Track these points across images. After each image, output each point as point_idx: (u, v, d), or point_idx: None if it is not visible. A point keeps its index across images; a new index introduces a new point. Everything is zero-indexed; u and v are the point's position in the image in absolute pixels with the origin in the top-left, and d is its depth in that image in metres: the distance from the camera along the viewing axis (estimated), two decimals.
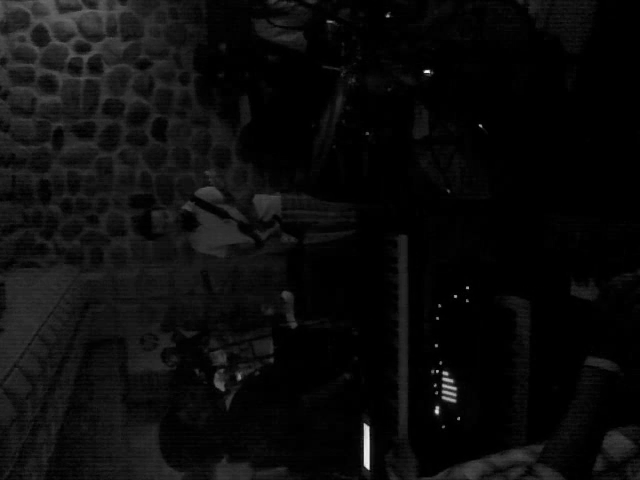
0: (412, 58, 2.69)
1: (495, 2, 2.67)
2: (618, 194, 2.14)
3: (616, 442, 1.26)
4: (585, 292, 1.90)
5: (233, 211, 3.90)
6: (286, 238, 4.02)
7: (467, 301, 2.33)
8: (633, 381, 1.13)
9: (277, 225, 3.97)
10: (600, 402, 1.07)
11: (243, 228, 3.89)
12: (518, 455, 1.27)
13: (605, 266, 1.85)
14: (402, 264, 2.57)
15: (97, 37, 5.77)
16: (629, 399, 1.21)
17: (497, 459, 1.25)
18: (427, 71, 2.61)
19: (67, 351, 4.60)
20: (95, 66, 5.80)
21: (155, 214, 3.84)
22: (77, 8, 5.71)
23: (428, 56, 2.62)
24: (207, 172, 3.97)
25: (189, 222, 3.92)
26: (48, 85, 5.73)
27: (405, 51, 2.75)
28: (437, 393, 2.42)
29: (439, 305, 2.41)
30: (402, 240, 2.56)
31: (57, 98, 5.77)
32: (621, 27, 2.30)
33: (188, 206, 3.96)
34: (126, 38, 5.83)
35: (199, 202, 3.93)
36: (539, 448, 1.11)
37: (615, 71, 2.32)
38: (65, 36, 5.72)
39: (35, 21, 5.64)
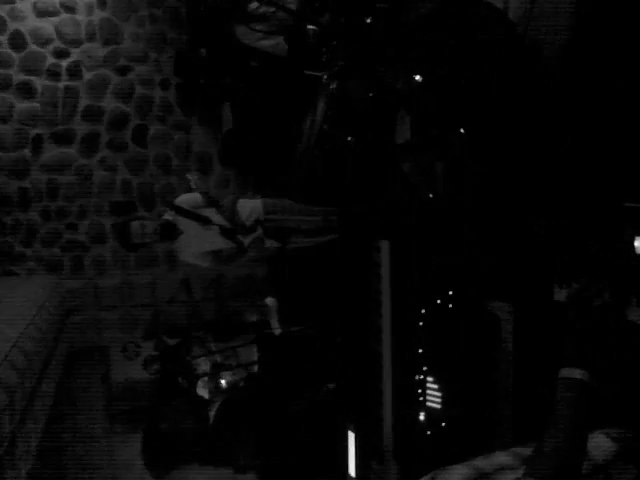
0: (401, 63, 2.69)
1: (476, 7, 2.67)
2: (601, 198, 2.15)
3: (599, 443, 1.27)
4: None
5: (215, 217, 3.87)
6: (269, 243, 4.00)
7: (450, 306, 2.33)
8: (614, 385, 1.14)
9: (260, 230, 3.95)
10: (577, 410, 1.09)
11: (225, 233, 3.87)
12: (502, 458, 1.27)
13: (587, 270, 1.86)
14: (385, 270, 2.56)
15: (76, 42, 5.71)
16: (611, 402, 1.22)
17: (481, 462, 1.25)
18: (417, 77, 2.61)
19: (47, 361, 4.53)
20: (74, 72, 5.73)
21: (134, 224, 3.82)
22: (55, 13, 5.64)
23: (415, 61, 2.63)
24: (188, 175, 3.97)
25: (170, 232, 3.89)
26: (26, 91, 5.66)
27: (393, 57, 2.75)
28: (422, 399, 2.42)
29: (423, 310, 2.40)
30: (384, 246, 2.56)
31: (36, 104, 5.69)
32: (600, 30, 2.32)
33: (168, 215, 3.94)
34: (105, 43, 5.78)
35: (179, 210, 3.90)
36: (522, 450, 1.12)
37: (595, 74, 2.34)
38: (43, 41, 5.65)
39: (12, 26, 5.56)
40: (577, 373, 1.10)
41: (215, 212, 3.89)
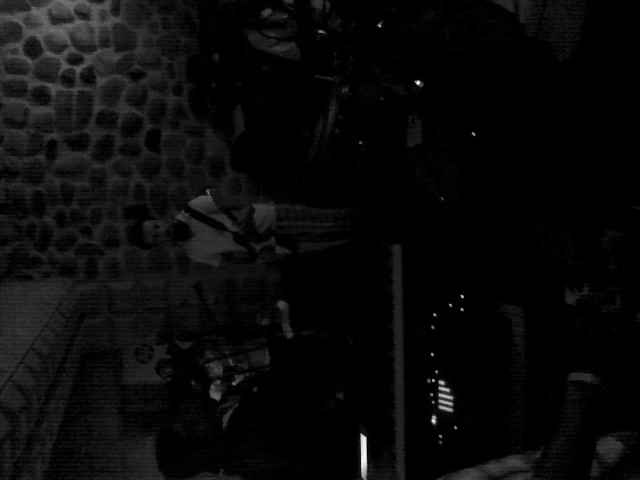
0: (403, 68, 2.70)
1: (485, 11, 2.67)
2: (610, 201, 2.15)
3: (611, 447, 1.27)
4: None
5: (229, 223, 3.88)
6: (280, 250, 4.00)
7: (462, 310, 2.33)
8: (625, 388, 1.15)
9: (272, 239, 3.94)
10: (586, 414, 1.09)
11: (238, 239, 3.88)
12: (515, 462, 1.26)
13: (599, 273, 1.85)
14: (397, 274, 2.57)
15: (90, 48, 5.77)
16: (621, 406, 1.22)
17: (493, 467, 1.25)
18: (418, 82, 2.62)
19: (62, 364, 4.57)
20: (88, 77, 5.79)
21: (146, 224, 3.84)
22: (70, 19, 5.71)
23: (419, 67, 2.63)
24: (207, 190, 3.98)
25: (182, 232, 3.91)
26: (41, 97, 5.72)
27: (396, 62, 2.75)
28: (434, 402, 2.42)
29: (434, 314, 2.41)
30: (396, 250, 2.57)
31: (50, 110, 5.76)
32: (610, 32, 2.32)
33: (182, 217, 3.95)
34: (119, 49, 5.83)
35: (193, 213, 3.92)
36: (536, 454, 1.11)
37: (605, 76, 2.33)
38: (58, 48, 5.71)
39: (27, 33, 5.63)
40: (587, 377, 1.10)
41: (228, 218, 3.89)
